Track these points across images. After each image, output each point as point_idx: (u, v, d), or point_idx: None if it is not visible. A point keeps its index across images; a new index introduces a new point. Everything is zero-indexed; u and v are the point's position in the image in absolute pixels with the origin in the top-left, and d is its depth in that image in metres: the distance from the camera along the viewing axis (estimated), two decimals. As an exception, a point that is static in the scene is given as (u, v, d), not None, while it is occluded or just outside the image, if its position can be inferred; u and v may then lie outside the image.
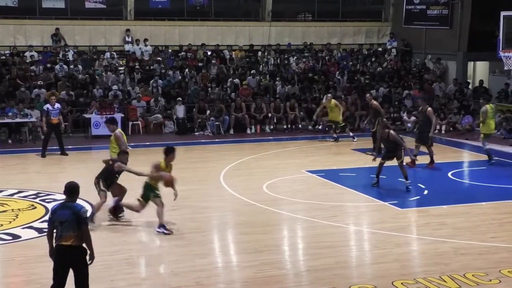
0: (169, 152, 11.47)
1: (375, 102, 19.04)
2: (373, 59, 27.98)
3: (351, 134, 21.17)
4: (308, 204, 13.32)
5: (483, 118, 17.45)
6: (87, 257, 7.55)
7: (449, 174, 16.15)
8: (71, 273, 7.57)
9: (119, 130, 12.82)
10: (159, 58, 25.52)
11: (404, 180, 14.33)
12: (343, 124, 21.16)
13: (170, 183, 11.26)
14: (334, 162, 17.69)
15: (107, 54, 25.52)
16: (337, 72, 26.41)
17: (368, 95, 19.73)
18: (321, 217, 12.26)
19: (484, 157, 17.61)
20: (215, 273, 9.56)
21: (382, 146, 15.02)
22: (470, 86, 26.31)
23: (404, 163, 14.68)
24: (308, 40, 28.69)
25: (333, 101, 21.07)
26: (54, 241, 7.57)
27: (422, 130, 17.24)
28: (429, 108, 17.22)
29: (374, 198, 13.81)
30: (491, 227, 11.78)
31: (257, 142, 21.14)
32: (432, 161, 16.92)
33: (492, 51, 22.43)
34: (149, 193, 11.36)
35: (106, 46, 26.10)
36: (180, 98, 22.78)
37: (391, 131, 14.55)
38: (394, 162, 14.52)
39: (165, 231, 11.12)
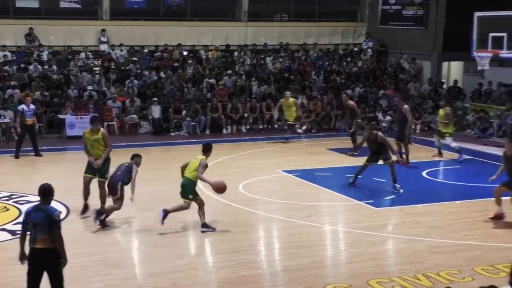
0: (209, 149, 11.60)
1: (351, 102, 19.10)
2: (349, 59, 28.12)
3: (294, 134, 20.96)
4: (284, 204, 13.36)
5: (448, 120, 17.79)
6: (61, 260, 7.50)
7: (424, 173, 16.31)
8: (46, 276, 7.52)
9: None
10: (134, 59, 25.37)
11: (392, 182, 14.29)
12: (294, 123, 20.92)
13: (221, 190, 11.35)
14: (310, 162, 17.76)
15: (82, 54, 25.31)
16: (313, 72, 26.48)
17: (344, 95, 19.79)
18: (297, 217, 12.31)
19: (455, 156, 17.86)
20: (191, 273, 9.55)
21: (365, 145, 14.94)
22: (444, 86, 26.60)
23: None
24: (284, 40, 28.74)
25: (291, 99, 20.83)
26: (28, 243, 7.51)
27: (399, 128, 17.40)
28: (406, 106, 17.38)
29: (349, 197, 13.87)
30: (464, 225, 11.93)
31: (233, 142, 21.12)
32: (407, 160, 17.07)
33: (466, 51, 22.74)
34: (191, 191, 11.35)
35: (81, 46, 25.85)
36: (155, 99, 22.66)
37: (379, 133, 14.56)
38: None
39: (163, 217, 11.22)
